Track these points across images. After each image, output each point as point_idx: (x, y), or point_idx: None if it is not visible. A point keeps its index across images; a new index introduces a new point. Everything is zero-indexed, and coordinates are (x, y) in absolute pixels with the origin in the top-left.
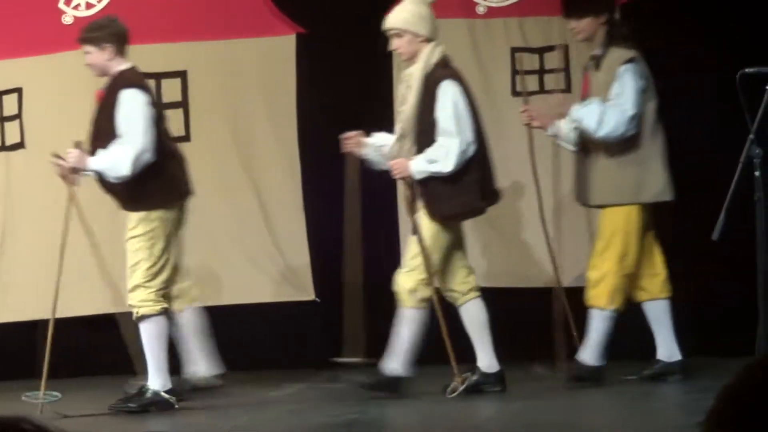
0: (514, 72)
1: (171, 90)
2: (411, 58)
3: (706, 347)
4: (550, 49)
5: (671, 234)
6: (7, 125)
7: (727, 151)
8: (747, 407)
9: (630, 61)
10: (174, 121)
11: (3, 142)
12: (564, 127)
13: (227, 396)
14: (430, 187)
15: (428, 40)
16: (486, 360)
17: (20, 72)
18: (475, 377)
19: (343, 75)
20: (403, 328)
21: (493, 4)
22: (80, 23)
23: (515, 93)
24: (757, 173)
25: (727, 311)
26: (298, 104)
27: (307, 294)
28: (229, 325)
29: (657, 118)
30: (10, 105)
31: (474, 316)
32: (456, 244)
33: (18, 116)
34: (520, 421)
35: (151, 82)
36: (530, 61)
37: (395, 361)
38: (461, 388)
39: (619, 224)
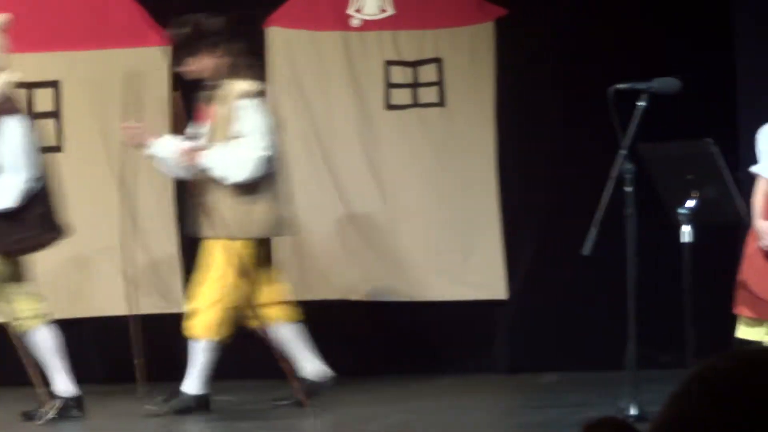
0: (388, 85)
1: (43, 100)
2: None
3: (577, 362)
4: (424, 62)
5: (543, 248)
6: None
7: (598, 167)
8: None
9: (251, 95)
10: (46, 132)
11: None
12: (166, 149)
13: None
14: None
15: None
16: (62, 385)
17: None
18: (57, 403)
19: None
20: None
21: (368, 17)
22: None
23: (389, 106)
24: (628, 189)
25: (597, 326)
26: (171, 114)
27: (180, 307)
28: (104, 336)
29: (276, 153)
30: None
31: (42, 342)
32: (16, 275)
33: None
34: None
35: (24, 92)
36: (404, 75)
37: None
38: (50, 414)
39: (227, 258)
